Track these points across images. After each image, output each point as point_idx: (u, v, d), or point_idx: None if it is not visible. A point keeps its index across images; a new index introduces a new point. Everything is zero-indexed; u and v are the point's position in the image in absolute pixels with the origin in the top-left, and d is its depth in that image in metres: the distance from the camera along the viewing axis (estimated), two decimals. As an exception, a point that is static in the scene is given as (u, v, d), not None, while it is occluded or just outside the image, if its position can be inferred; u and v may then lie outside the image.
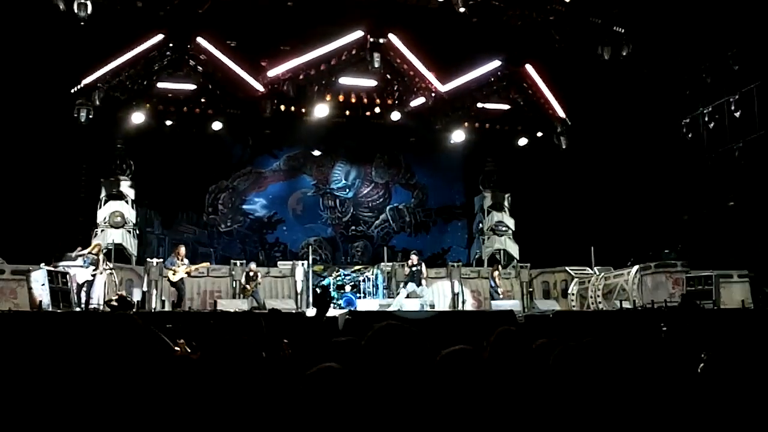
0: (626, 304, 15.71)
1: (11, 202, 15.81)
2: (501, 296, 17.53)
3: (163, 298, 15.96)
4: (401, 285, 16.92)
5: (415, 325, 2.44)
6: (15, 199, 15.90)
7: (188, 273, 15.86)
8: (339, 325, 11.56)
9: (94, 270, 14.66)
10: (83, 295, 14.56)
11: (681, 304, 13.47)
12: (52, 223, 16.41)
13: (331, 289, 17.85)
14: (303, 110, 18.51)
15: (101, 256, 14.95)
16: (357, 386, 2.27)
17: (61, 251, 14.97)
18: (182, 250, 16.06)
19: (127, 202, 18.04)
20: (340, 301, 17.23)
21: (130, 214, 18.01)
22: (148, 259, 17.01)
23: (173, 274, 15.59)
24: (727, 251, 15.89)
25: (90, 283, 14.71)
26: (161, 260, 16.64)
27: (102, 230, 17.60)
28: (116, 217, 17.61)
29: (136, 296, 16.26)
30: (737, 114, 16.81)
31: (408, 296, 16.36)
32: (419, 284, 16.66)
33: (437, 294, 18.23)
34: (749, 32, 16.36)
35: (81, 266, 14.63)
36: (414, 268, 16.77)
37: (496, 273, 17.91)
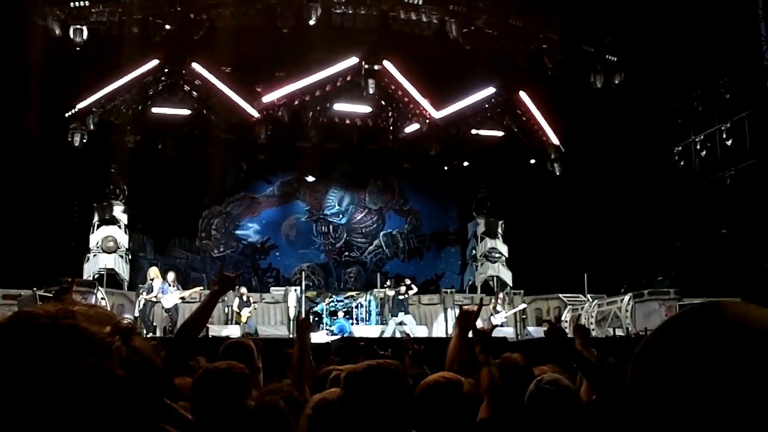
0: (619, 332, 15.67)
1: (2, 226, 15.73)
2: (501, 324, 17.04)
3: (155, 323, 15.83)
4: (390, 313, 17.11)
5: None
6: (6, 222, 15.82)
7: (182, 298, 15.78)
8: (331, 351, 11.52)
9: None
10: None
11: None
12: (44, 248, 16.31)
13: (323, 314, 17.79)
14: (297, 136, 18.57)
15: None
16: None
17: (53, 276, 14.87)
18: (170, 275, 16.04)
19: (119, 227, 17.94)
20: (333, 328, 17.10)
21: (123, 239, 17.91)
22: (141, 285, 16.88)
23: (166, 301, 15.55)
24: (719, 278, 15.90)
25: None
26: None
27: (94, 255, 17.49)
28: (109, 242, 17.51)
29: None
30: (729, 142, 16.90)
31: (401, 323, 16.53)
32: (407, 312, 16.95)
33: (430, 320, 18.20)
34: (740, 61, 16.53)
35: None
36: (401, 296, 17.02)
37: (499, 298, 17.68)
